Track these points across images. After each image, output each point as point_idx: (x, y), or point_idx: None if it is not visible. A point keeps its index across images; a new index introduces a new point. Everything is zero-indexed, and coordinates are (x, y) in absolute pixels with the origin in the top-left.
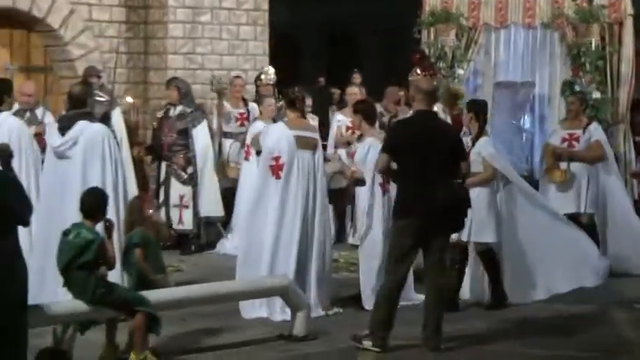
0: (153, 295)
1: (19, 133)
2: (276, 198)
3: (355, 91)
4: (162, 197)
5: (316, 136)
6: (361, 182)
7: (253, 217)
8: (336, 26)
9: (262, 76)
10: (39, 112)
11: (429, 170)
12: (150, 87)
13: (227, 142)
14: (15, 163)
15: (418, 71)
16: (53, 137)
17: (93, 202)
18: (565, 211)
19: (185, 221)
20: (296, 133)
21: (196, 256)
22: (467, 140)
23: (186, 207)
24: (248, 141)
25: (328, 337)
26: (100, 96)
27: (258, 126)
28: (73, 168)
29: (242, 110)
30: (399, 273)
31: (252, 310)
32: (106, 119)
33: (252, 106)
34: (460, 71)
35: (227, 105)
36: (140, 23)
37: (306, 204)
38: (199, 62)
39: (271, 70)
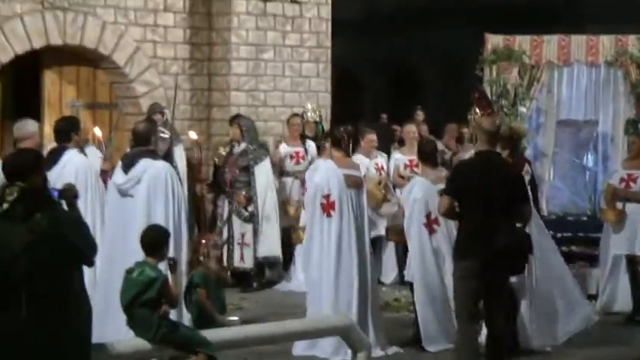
0: (214, 334)
1: (86, 171)
2: (330, 236)
3: (413, 129)
4: (225, 234)
5: (361, 175)
6: None
7: (307, 255)
8: (397, 62)
9: (305, 114)
10: (89, 150)
11: (490, 212)
12: (213, 123)
13: (288, 180)
14: (81, 201)
15: (477, 110)
16: (117, 175)
17: (155, 240)
18: (619, 252)
19: (246, 259)
20: (344, 171)
21: (258, 294)
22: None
23: (247, 245)
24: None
25: None
26: (164, 132)
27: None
28: (136, 206)
29: (298, 149)
30: (471, 315)
31: (302, 348)
32: (168, 156)
33: (310, 143)
34: (522, 109)
35: (284, 145)
36: (204, 60)
37: (359, 242)
38: (262, 99)
39: (311, 107)
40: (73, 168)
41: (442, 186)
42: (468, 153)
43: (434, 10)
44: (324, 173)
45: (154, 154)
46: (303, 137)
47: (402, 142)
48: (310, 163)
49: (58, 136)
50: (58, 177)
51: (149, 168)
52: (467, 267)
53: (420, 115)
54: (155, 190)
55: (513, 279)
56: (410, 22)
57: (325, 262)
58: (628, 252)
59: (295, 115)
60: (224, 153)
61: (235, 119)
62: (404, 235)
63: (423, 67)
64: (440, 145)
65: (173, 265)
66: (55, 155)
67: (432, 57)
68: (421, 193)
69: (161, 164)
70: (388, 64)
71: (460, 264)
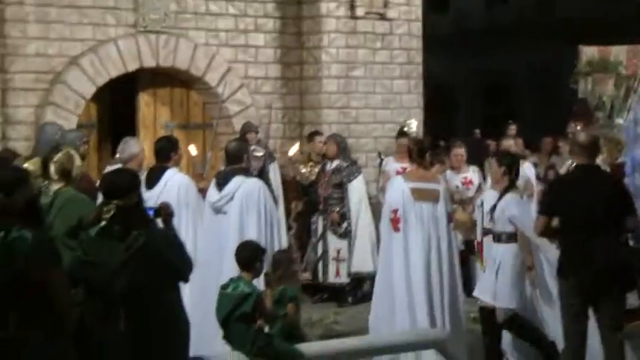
0: (309, 347)
1: (187, 188)
2: (399, 251)
3: (510, 144)
4: (319, 250)
5: (438, 187)
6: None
7: (381, 272)
8: (490, 77)
9: (405, 129)
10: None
11: (591, 228)
12: (305, 141)
13: None
14: (182, 219)
15: (576, 123)
16: (211, 193)
17: (249, 255)
18: None
19: (342, 274)
20: (413, 185)
21: (353, 308)
22: None
23: (343, 260)
24: None
25: None
26: (257, 151)
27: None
28: (229, 222)
29: (406, 165)
30: (576, 333)
31: None
32: (263, 173)
33: None
34: (619, 121)
35: (392, 161)
36: (295, 79)
37: (428, 256)
38: (353, 116)
39: (414, 123)
40: (175, 186)
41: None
42: (565, 166)
43: (526, 24)
44: (393, 189)
45: (246, 172)
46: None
47: None
48: None
49: (158, 156)
50: (159, 195)
51: (242, 185)
52: (570, 285)
53: (512, 129)
54: (247, 206)
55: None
56: (502, 36)
57: (396, 278)
58: None
59: (403, 131)
60: (305, 171)
61: (332, 137)
62: None
63: (516, 81)
64: (534, 159)
65: (271, 281)
66: (156, 174)
67: (525, 71)
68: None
69: (253, 181)
70: (481, 79)
71: (564, 282)
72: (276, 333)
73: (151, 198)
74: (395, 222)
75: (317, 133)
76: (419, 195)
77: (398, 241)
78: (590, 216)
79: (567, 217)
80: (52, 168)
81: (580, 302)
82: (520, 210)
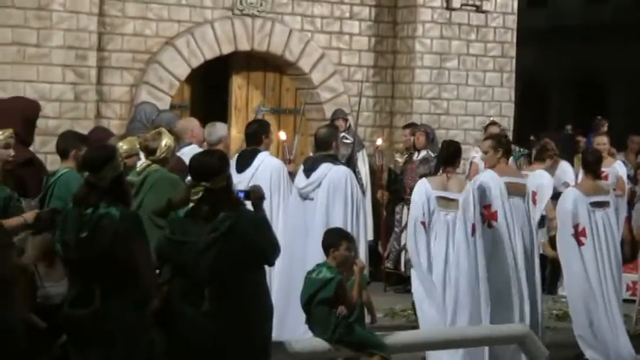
0: (389, 337)
1: (280, 172)
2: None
3: (605, 141)
4: (402, 241)
5: (525, 181)
6: None
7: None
8: (583, 72)
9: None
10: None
11: None
12: (395, 131)
13: None
14: (274, 202)
15: None
16: (298, 179)
17: (333, 241)
18: None
19: None
20: (506, 179)
21: None
22: None
23: None
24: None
25: None
26: (347, 138)
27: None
28: (316, 209)
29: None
30: None
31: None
32: (350, 161)
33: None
34: None
35: (479, 151)
36: (387, 68)
37: (515, 251)
38: (444, 107)
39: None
40: (267, 169)
41: (597, 198)
42: None
43: (623, 23)
44: (484, 183)
45: (334, 159)
46: None
47: None
48: None
49: (250, 139)
50: (251, 178)
51: (329, 172)
52: None
53: (604, 125)
54: (334, 193)
55: None
56: (597, 33)
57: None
58: None
59: (493, 123)
60: (400, 160)
61: (421, 127)
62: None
63: (609, 78)
64: (621, 157)
65: (358, 270)
66: (248, 157)
67: (618, 68)
68: (571, 204)
69: (342, 168)
70: (574, 75)
71: None
72: (355, 319)
73: (243, 181)
74: (487, 217)
75: (414, 125)
76: (511, 189)
77: (490, 237)
78: None
79: None
80: (132, 146)
81: None
82: None
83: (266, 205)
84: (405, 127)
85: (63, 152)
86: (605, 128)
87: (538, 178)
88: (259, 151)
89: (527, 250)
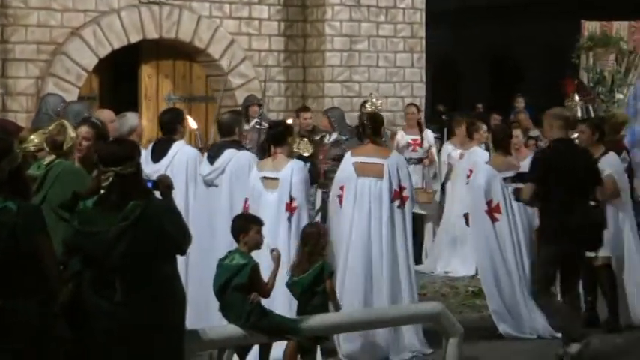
0: (306, 321)
1: (195, 161)
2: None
3: (522, 117)
4: None
5: (382, 161)
6: None
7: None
8: (495, 51)
9: (367, 104)
10: None
11: (569, 195)
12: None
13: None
14: (191, 191)
15: (576, 97)
16: (203, 166)
17: (242, 227)
18: None
19: None
20: (356, 160)
21: None
22: None
23: None
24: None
25: None
26: (260, 124)
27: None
28: (220, 196)
29: (416, 137)
30: (548, 285)
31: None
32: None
33: (427, 132)
34: (620, 95)
35: (402, 133)
36: (298, 52)
37: (368, 230)
38: (356, 90)
39: (375, 100)
40: (184, 158)
41: (509, 174)
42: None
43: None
44: (486, 178)
45: (238, 145)
46: (419, 125)
47: None
48: (427, 151)
49: (165, 129)
50: (168, 167)
51: (233, 158)
52: (551, 252)
53: (520, 102)
54: (238, 179)
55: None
56: (507, 11)
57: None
58: None
59: (411, 104)
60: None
61: (326, 112)
62: None
63: (521, 56)
64: (537, 132)
65: (277, 257)
66: (164, 147)
67: (529, 46)
68: (483, 180)
69: (245, 154)
70: (487, 54)
71: (544, 248)
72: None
73: (158, 171)
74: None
75: (303, 109)
76: (362, 170)
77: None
78: (569, 185)
79: (550, 187)
80: (43, 140)
81: (556, 268)
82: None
83: (182, 193)
84: (302, 109)
85: None
86: (521, 105)
87: (473, 156)
88: (175, 141)
89: (381, 228)
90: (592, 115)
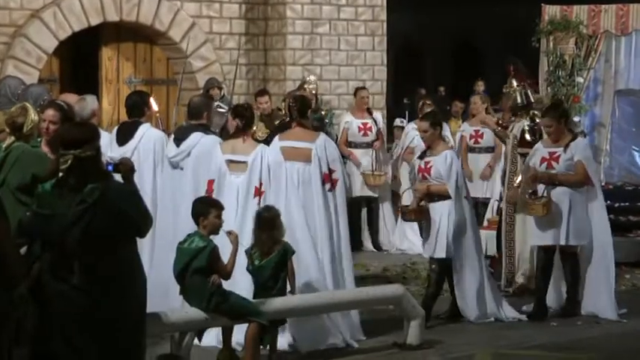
0: (268, 303)
1: (163, 143)
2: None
3: (476, 100)
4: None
5: (309, 145)
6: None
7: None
8: (458, 35)
9: (305, 85)
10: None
11: None
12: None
13: (358, 152)
14: (158, 173)
15: (514, 82)
16: (169, 148)
17: (202, 210)
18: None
19: None
20: (284, 144)
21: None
22: None
23: None
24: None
25: (442, 346)
26: (221, 107)
27: None
28: (185, 178)
29: (366, 120)
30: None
31: None
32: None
33: (377, 115)
34: (580, 79)
35: (350, 115)
36: (259, 35)
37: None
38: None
39: (313, 78)
40: (151, 140)
41: None
42: (518, 125)
43: None
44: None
45: (205, 128)
46: (369, 110)
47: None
48: (377, 134)
49: (131, 111)
50: (134, 150)
51: (199, 141)
52: None
53: (480, 85)
54: (202, 163)
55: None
56: None
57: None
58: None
59: (362, 88)
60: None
61: (259, 95)
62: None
63: (482, 40)
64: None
65: (235, 240)
66: (130, 129)
67: (491, 30)
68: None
69: (211, 138)
70: (449, 38)
71: None
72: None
73: (125, 154)
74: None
75: (261, 93)
76: (289, 154)
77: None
78: None
79: None
80: (3, 121)
81: None
82: None
83: (150, 176)
84: (259, 94)
85: None
86: (481, 88)
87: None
88: (141, 123)
89: (313, 212)
90: (532, 100)
